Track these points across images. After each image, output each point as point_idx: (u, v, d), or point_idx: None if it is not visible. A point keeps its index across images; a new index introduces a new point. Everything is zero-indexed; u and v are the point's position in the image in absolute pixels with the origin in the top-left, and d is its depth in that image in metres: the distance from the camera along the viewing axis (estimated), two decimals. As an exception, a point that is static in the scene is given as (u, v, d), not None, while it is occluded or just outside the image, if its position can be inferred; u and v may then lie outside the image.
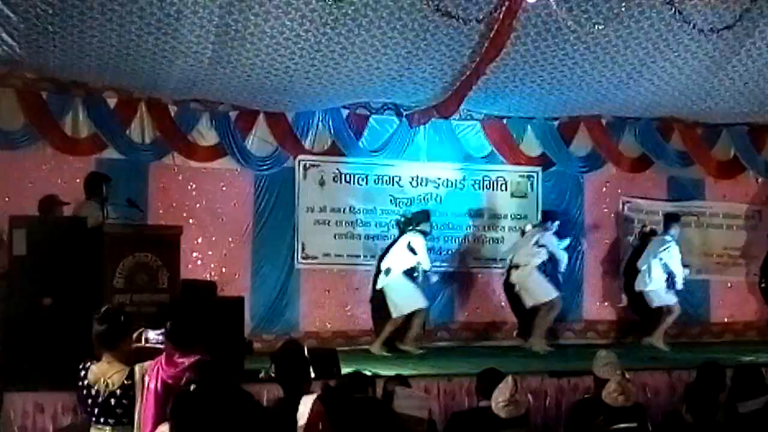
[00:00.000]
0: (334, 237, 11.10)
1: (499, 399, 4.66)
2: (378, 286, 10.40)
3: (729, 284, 12.45)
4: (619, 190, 12.25)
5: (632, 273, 11.39)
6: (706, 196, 12.56)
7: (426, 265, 10.44)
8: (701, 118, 11.70)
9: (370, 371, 6.92)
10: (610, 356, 6.45)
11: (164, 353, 4.87)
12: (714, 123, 11.97)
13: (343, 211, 11.16)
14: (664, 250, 10.99)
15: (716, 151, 12.36)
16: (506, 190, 11.86)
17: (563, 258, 11.03)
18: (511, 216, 11.83)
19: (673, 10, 8.39)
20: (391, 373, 7.33)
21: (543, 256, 10.79)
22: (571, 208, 11.94)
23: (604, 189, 12.21)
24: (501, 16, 8.38)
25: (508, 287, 10.99)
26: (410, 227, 10.47)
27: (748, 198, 12.65)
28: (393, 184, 11.43)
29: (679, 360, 9.69)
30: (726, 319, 12.42)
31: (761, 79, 9.91)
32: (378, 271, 10.44)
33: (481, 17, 8.36)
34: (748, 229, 12.57)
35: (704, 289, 11.77)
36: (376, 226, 11.27)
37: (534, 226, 11.10)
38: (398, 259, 10.34)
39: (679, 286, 11.03)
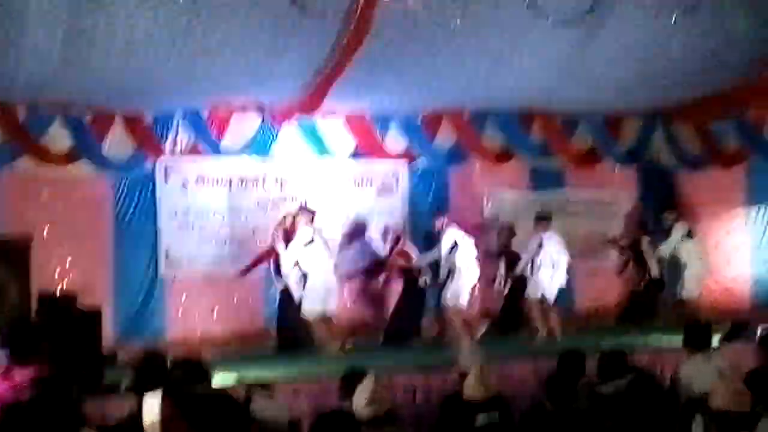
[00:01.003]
0: (199, 241, 10.83)
1: (361, 398, 4.57)
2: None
3: (592, 271, 12.67)
4: (483, 183, 12.35)
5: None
6: (567, 185, 12.78)
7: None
8: (559, 108, 11.92)
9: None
10: (471, 348, 6.45)
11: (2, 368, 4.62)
12: (572, 113, 12.22)
13: (207, 214, 10.90)
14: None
15: (575, 141, 12.59)
16: (372, 186, 11.80)
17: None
18: (377, 213, 11.77)
19: (527, 2, 8.45)
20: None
21: None
22: (438, 203, 11.95)
23: (469, 182, 12.27)
24: (359, 10, 8.30)
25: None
26: None
27: (606, 186, 12.93)
28: (257, 186, 11.21)
29: (544, 349, 9.83)
30: (590, 306, 12.66)
31: (614, 69, 10.16)
32: None
33: (339, 10, 8.26)
34: (609, 215, 12.88)
35: (568, 276, 11.93)
36: (241, 229, 11.05)
37: None
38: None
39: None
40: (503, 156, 12.36)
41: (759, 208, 12.48)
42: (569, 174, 12.82)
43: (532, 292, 11.17)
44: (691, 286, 11.83)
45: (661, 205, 12.72)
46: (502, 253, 11.88)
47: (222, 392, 5.47)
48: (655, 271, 12.10)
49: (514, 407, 5.95)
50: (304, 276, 10.26)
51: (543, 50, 9.58)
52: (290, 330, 10.49)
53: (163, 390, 3.47)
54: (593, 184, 12.82)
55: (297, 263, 10.26)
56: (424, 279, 11.06)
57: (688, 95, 11.60)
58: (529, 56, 9.70)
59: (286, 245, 10.34)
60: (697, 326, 7.25)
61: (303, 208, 10.62)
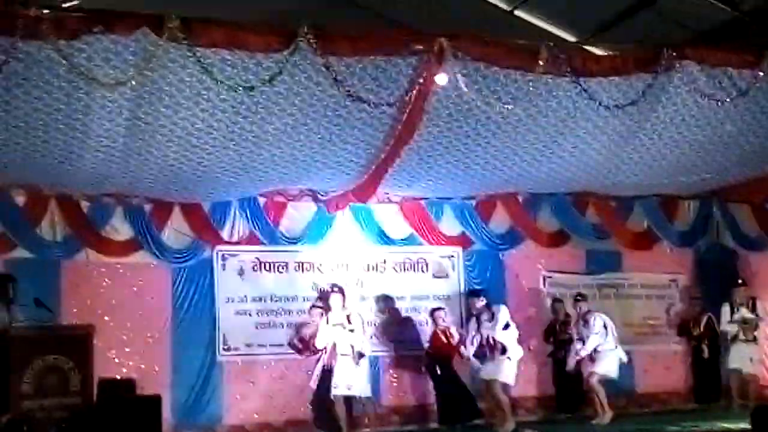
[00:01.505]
0: (256, 327, 10.92)
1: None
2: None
3: (652, 354, 12.49)
4: (539, 266, 12.32)
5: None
6: (624, 267, 12.71)
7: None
8: (614, 191, 11.93)
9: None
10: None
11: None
12: (627, 196, 12.20)
13: (264, 300, 11.00)
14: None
15: (631, 223, 12.58)
16: (427, 271, 11.83)
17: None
18: (433, 297, 11.77)
19: (579, 88, 8.52)
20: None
21: None
22: (493, 286, 11.93)
23: (525, 265, 12.24)
24: (412, 99, 8.40)
25: None
26: None
27: (663, 268, 12.81)
28: (314, 270, 11.31)
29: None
30: (651, 389, 12.45)
31: (667, 151, 10.14)
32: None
33: (392, 101, 8.34)
34: (666, 298, 12.74)
35: (628, 359, 11.72)
36: (298, 313, 11.10)
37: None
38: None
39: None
40: (558, 239, 12.34)
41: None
42: (625, 256, 12.73)
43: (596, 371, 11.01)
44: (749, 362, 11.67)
45: (720, 287, 12.55)
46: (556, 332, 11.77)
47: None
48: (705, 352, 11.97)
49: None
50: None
51: (595, 134, 9.59)
52: (322, 410, 10.41)
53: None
54: (650, 267, 12.66)
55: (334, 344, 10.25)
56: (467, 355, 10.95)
57: (743, 175, 11.52)
58: (581, 141, 9.71)
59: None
60: (763, 409, 7.07)
61: (334, 289, 10.65)
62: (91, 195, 10.12)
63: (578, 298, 11.36)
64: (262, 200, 11.03)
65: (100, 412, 6.53)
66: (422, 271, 11.86)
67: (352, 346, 10.14)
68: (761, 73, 8.76)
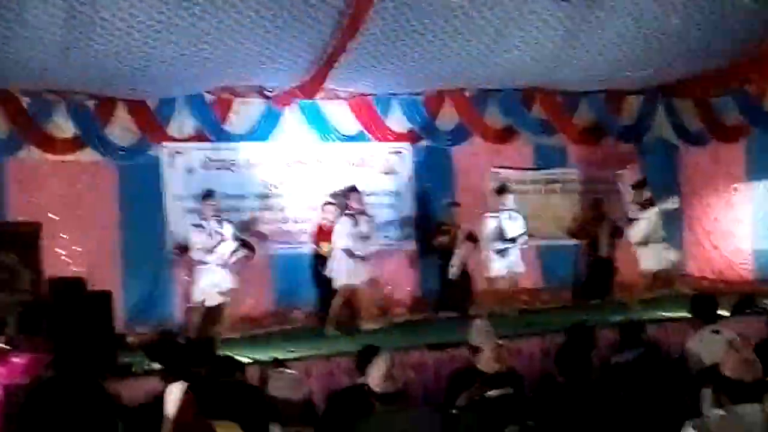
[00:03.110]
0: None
1: (375, 375, 4.64)
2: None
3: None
4: (487, 162, 12.39)
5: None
6: (569, 162, 12.87)
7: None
8: (561, 86, 11.99)
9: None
10: (485, 324, 6.52)
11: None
12: (573, 91, 12.27)
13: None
14: None
15: (577, 118, 12.66)
16: (375, 167, 11.85)
17: None
18: (382, 193, 11.83)
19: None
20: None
21: None
22: (441, 182, 12.00)
23: (472, 161, 12.30)
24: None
25: None
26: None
27: (608, 163, 12.96)
28: (262, 168, 11.27)
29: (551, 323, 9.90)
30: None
31: (613, 46, 10.21)
32: None
33: (339, -6, 8.28)
34: (612, 193, 12.92)
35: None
36: (249, 211, 11.09)
37: None
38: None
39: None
40: (506, 135, 12.41)
41: (759, 181, 12.48)
42: (571, 151, 12.85)
43: None
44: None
45: (663, 180, 12.78)
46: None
47: (237, 370, 5.53)
48: (602, 251, 12.17)
49: (527, 382, 6.04)
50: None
51: (542, 28, 9.61)
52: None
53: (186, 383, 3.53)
54: (596, 162, 12.80)
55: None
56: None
57: (688, 70, 11.63)
58: (528, 34, 9.74)
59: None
60: (703, 298, 7.32)
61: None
62: (32, 91, 9.87)
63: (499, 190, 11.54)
64: (209, 97, 10.86)
65: (52, 308, 6.50)
66: (371, 167, 11.86)
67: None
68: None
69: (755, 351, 5.51)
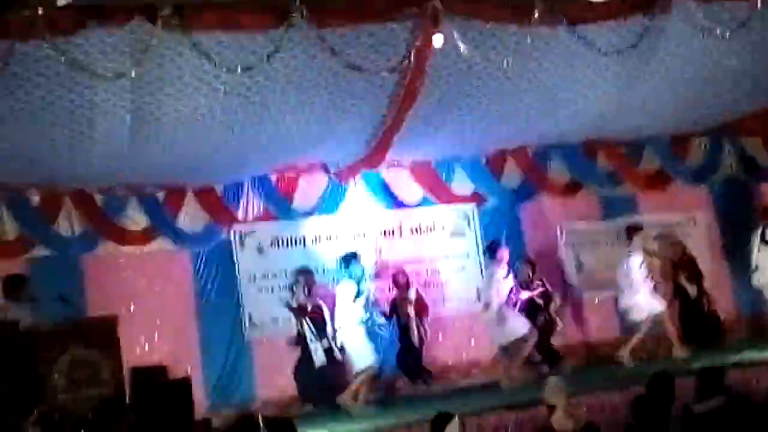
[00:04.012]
0: (279, 302, 10.96)
1: (450, 441, 4.64)
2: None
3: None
4: (555, 217, 12.33)
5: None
6: (640, 210, 12.67)
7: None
8: (623, 136, 11.91)
9: None
10: (556, 382, 6.47)
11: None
12: (636, 139, 12.18)
13: (285, 275, 11.03)
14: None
15: (643, 166, 12.53)
16: (444, 230, 11.88)
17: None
18: (452, 257, 11.84)
19: (576, 36, 8.50)
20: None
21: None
22: (511, 241, 11.97)
23: (540, 217, 12.25)
24: (411, 63, 8.41)
25: None
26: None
27: (679, 207, 12.82)
28: (331, 241, 11.39)
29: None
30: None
31: (671, 91, 10.12)
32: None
33: (391, 67, 8.35)
34: (685, 236, 12.73)
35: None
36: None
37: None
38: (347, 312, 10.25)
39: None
40: (571, 188, 12.36)
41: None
42: (641, 199, 12.73)
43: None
44: None
45: (738, 220, 12.57)
46: None
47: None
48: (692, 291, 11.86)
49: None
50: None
51: (597, 81, 9.57)
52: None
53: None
54: (665, 207, 12.65)
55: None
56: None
57: (750, 108, 11.47)
58: (584, 88, 9.69)
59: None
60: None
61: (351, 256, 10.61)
62: (104, 188, 10.22)
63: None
64: (273, 177, 11.08)
65: (132, 398, 6.65)
66: (439, 230, 11.90)
67: None
68: (758, 3, 8.71)
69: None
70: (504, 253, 10.97)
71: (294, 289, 10.58)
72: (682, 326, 11.65)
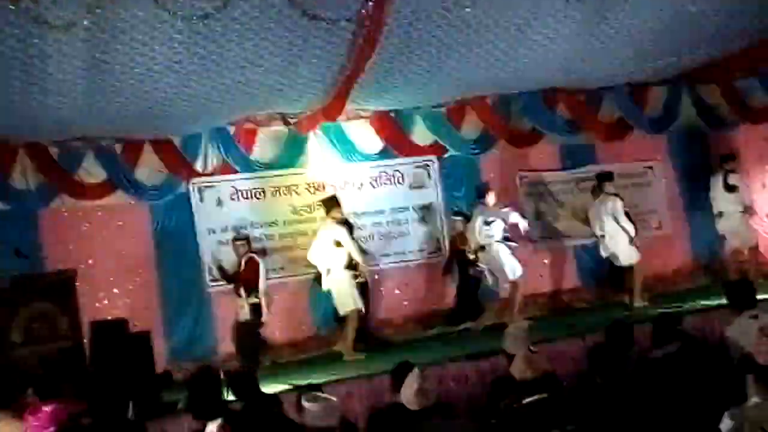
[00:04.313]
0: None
1: (407, 392, 4.65)
2: (324, 288, 10.37)
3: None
4: (515, 167, 12.35)
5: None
6: (599, 159, 12.72)
7: (356, 256, 10.24)
8: (582, 84, 11.93)
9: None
10: (516, 331, 6.50)
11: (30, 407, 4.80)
12: (596, 88, 12.20)
13: (245, 227, 11.00)
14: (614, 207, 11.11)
15: (602, 115, 12.56)
16: (404, 182, 11.88)
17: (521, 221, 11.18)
18: (413, 208, 11.86)
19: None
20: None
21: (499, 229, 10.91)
22: (471, 192, 11.99)
23: (500, 167, 12.26)
24: (370, 11, 8.33)
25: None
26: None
27: (638, 156, 12.88)
28: (291, 194, 11.35)
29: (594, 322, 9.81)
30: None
31: (630, 38, 10.12)
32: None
33: (349, 16, 8.29)
34: (644, 185, 12.84)
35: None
36: (279, 238, 11.18)
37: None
38: (331, 257, 10.24)
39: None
40: (531, 138, 12.37)
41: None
42: (599, 148, 12.78)
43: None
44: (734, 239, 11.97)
45: (696, 169, 12.69)
46: None
47: (274, 404, 5.58)
48: None
49: (565, 385, 5.99)
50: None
51: (558, 27, 9.54)
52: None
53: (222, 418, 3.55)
54: (624, 156, 12.71)
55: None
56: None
57: (710, 56, 11.51)
58: (544, 36, 9.67)
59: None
60: (737, 284, 7.23)
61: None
62: (59, 141, 10.04)
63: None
64: (232, 129, 10.97)
65: (91, 352, 6.59)
66: (398, 183, 11.89)
67: None
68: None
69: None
70: (491, 195, 11.03)
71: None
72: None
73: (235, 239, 10.58)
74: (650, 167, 13.01)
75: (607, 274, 11.88)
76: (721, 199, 12.03)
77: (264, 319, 10.28)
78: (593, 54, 10.47)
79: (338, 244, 10.17)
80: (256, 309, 10.22)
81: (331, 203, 10.48)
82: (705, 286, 12.10)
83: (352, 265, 10.23)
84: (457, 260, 11.37)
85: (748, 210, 12.12)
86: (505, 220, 10.95)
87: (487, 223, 10.85)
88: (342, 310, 10.19)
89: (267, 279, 10.41)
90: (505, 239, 10.97)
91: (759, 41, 11.18)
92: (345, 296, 10.17)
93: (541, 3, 8.98)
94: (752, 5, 10.10)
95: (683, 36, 10.50)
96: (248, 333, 10.24)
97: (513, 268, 10.81)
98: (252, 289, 10.21)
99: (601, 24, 9.71)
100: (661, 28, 10.08)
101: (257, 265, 10.31)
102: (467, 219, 11.23)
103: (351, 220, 10.88)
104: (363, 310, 10.33)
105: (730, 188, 11.89)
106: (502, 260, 10.80)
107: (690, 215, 12.99)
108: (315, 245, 10.42)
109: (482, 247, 10.87)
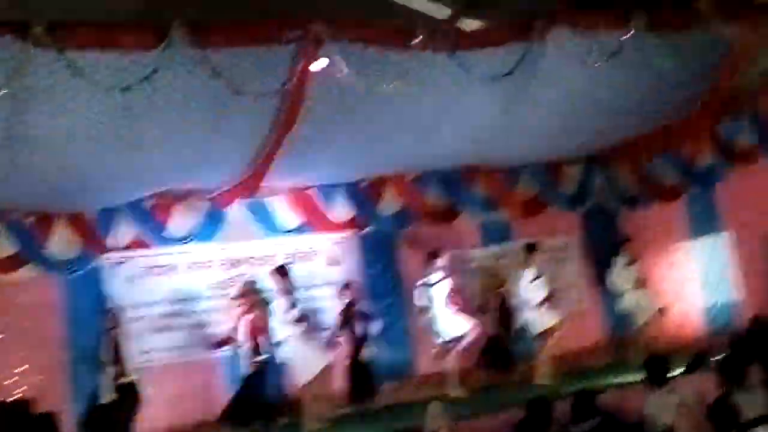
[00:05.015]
0: (152, 332, 10.67)
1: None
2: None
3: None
4: (433, 243, 12.34)
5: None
6: (515, 236, 12.87)
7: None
8: (500, 162, 12.13)
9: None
10: (434, 408, 6.48)
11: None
12: (513, 165, 12.44)
13: (158, 304, 10.77)
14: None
15: (519, 192, 12.78)
16: (320, 259, 11.80)
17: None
18: (327, 284, 11.73)
19: (456, 62, 8.59)
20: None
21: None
22: (389, 268, 11.96)
23: (419, 244, 12.26)
24: (293, 87, 8.33)
25: None
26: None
27: (553, 233, 13.07)
28: (206, 269, 11.15)
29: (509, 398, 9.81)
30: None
31: (548, 118, 10.36)
32: None
33: (273, 90, 8.26)
34: (560, 261, 13.02)
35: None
36: (195, 314, 10.97)
37: None
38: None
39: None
40: (450, 214, 12.45)
41: (701, 238, 12.66)
42: (516, 225, 12.94)
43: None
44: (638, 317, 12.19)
45: (607, 247, 12.93)
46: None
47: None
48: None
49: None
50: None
51: (477, 107, 9.72)
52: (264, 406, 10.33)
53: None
54: (539, 233, 12.88)
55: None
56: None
57: (623, 136, 11.83)
58: (463, 114, 9.83)
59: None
60: (655, 360, 7.33)
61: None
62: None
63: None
64: (149, 203, 10.78)
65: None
66: (314, 259, 11.80)
67: None
68: (631, 34, 9.01)
69: (712, 408, 5.55)
70: (440, 260, 11.09)
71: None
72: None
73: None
74: (565, 244, 13.18)
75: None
76: (621, 279, 12.23)
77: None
78: (509, 134, 10.67)
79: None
80: (123, 389, 9.80)
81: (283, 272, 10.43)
82: (619, 362, 12.21)
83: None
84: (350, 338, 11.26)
85: (661, 311, 12.44)
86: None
87: (430, 286, 10.92)
88: (305, 379, 10.01)
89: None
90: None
91: (668, 123, 11.55)
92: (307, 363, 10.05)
93: (461, 83, 9.13)
94: (662, 90, 10.45)
95: (595, 118, 10.78)
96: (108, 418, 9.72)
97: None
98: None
99: (516, 104, 9.90)
100: (574, 110, 10.35)
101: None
102: None
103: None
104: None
105: (630, 269, 12.10)
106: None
107: (603, 292, 13.15)
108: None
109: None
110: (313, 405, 10.22)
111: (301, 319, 10.32)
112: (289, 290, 10.45)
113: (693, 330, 12.65)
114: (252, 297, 10.61)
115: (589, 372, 11.65)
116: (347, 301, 11.19)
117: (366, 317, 11.17)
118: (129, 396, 9.78)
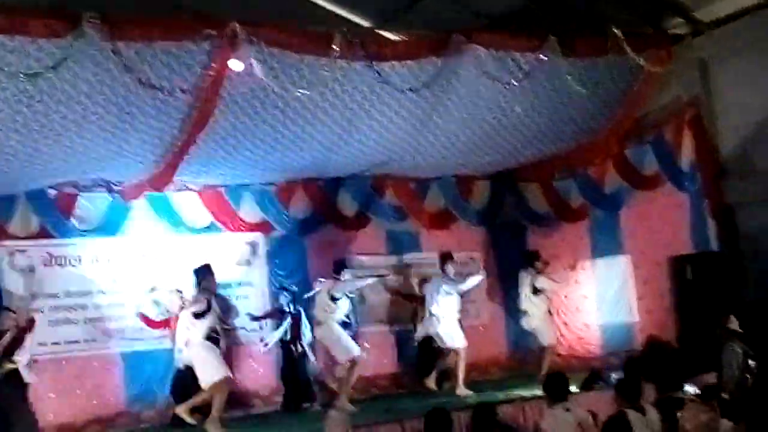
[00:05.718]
0: (49, 325, 10.41)
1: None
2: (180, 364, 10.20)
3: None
4: (342, 249, 12.37)
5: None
6: (422, 247, 12.98)
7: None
8: (412, 173, 12.21)
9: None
10: (336, 417, 6.47)
11: None
12: (424, 177, 12.53)
13: (57, 296, 10.53)
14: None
15: (428, 204, 12.89)
16: (229, 257, 11.68)
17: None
18: (235, 284, 11.66)
19: (373, 72, 8.64)
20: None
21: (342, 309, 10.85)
22: (297, 271, 11.94)
23: (327, 249, 12.26)
24: (206, 85, 8.23)
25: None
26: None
27: (461, 246, 13.15)
28: (109, 263, 10.95)
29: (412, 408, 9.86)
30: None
31: (461, 133, 10.48)
32: None
33: (186, 87, 8.13)
34: (466, 275, 13.10)
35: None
36: (95, 308, 10.75)
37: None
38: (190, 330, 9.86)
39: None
40: (359, 221, 12.49)
41: (601, 258, 12.92)
42: (424, 236, 13.04)
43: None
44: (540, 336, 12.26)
45: (513, 263, 13.09)
46: None
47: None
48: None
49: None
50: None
51: (391, 117, 9.75)
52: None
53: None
54: (447, 246, 12.96)
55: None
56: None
57: (533, 155, 12.00)
58: (378, 124, 9.86)
59: None
60: (554, 376, 7.45)
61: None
62: None
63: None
64: (52, 192, 10.55)
65: None
66: (224, 258, 11.66)
67: None
68: (544, 57, 9.19)
69: (606, 425, 5.67)
70: (347, 274, 10.91)
71: None
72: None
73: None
74: (472, 258, 13.30)
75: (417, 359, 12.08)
76: (526, 299, 12.41)
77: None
78: (424, 145, 10.75)
79: (198, 315, 9.74)
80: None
81: (203, 273, 10.03)
82: (517, 376, 12.38)
83: (211, 337, 9.80)
84: (280, 340, 11.20)
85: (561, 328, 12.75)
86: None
87: (334, 300, 10.75)
88: (210, 381, 9.63)
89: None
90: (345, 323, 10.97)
91: (577, 145, 11.77)
92: (210, 367, 9.68)
93: (377, 93, 9.17)
94: (572, 112, 10.66)
95: (508, 134, 10.91)
96: None
97: (350, 347, 10.73)
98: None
99: (433, 117, 9.98)
100: (488, 125, 10.47)
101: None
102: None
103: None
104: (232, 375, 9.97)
105: (536, 291, 12.29)
106: (341, 338, 10.72)
107: (507, 307, 13.31)
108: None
109: (318, 323, 10.80)
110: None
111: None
112: (210, 290, 10.09)
113: (590, 348, 12.91)
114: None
115: (489, 384, 11.79)
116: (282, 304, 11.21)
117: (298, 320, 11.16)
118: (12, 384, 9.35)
